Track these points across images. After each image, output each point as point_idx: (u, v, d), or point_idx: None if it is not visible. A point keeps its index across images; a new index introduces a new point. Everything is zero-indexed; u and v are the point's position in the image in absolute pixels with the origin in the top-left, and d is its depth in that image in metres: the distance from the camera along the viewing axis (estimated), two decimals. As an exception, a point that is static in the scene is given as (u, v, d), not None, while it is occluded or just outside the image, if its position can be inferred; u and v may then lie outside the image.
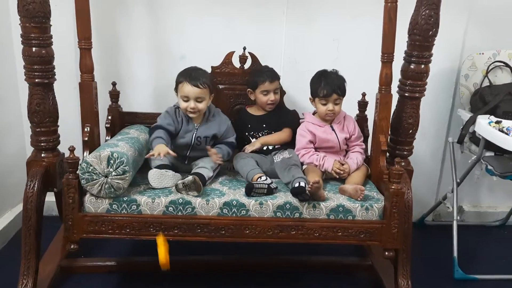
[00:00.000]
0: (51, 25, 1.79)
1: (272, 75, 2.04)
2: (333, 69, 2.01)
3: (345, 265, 2.24)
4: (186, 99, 1.90)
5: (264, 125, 2.08)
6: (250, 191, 1.76)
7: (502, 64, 2.25)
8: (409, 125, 1.91)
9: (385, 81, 1.88)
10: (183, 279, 2.06)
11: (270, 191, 1.79)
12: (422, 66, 1.82)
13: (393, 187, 1.71)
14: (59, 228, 2.23)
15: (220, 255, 2.20)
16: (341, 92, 1.96)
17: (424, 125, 2.08)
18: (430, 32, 1.76)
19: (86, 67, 1.86)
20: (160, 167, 1.81)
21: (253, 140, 2.06)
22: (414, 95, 1.87)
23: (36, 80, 1.80)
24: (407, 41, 1.85)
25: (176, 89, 1.94)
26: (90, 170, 1.65)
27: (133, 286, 2.06)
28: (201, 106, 1.91)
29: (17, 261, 1.84)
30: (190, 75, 1.91)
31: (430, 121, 2.43)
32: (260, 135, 2.07)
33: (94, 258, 2.16)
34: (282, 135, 2.05)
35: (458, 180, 2.29)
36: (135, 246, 2.28)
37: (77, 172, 1.66)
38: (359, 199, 1.77)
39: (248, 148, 2.00)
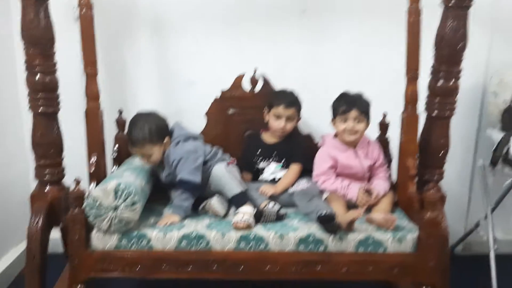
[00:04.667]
0: (55, 52, 1.72)
1: (290, 101, 1.92)
2: (357, 92, 1.89)
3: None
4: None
5: (274, 154, 1.97)
6: (260, 217, 1.66)
7: (533, 79, 2.11)
8: (440, 146, 1.78)
9: (411, 99, 1.76)
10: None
11: (280, 217, 1.68)
12: (451, 82, 1.70)
13: (428, 215, 1.56)
14: (65, 267, 2.10)
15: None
16: (363, 109, 1.83)
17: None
18: (459, 46, 1.65)
19: (92, 94, 1.77)
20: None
21: (261, 165, 1.97)
22: (444, 113, 1.74)
23: (40, 109, 1.71)
24: (434, 55, 1.74)
25: None
26: (97, 205, 1.54)
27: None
28: (152, 159, 1.79)
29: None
30: (130, 133, 1.78)
31: (456, 143, 2.22)
32: (270, 161, 1.97)
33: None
34: (292, 174, 1.91)
35: (493, 206, 2.11)
36: (139, 285, 2.13)
37: (83, 207, 1.55)
38: (389, 229, 1.61)
39: (266, 193, 1.83)
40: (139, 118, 1.80)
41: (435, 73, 1.72)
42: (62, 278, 2.05)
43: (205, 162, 1.80)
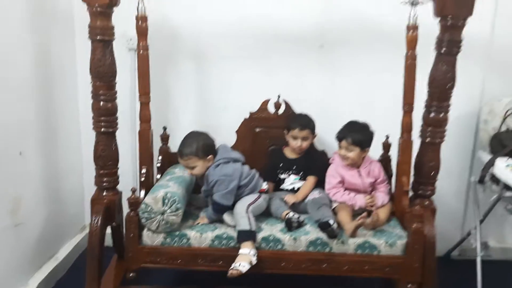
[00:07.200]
0: (116, 83, 2.09)
1: (303, 124, 2.26)
2: (364, 122, 2.21)
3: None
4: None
5: (294, 167, 2.32)
6: (290, 225, 2.00)
7: (519, 110, 2.37)
8: (431, 168, 2.06)
9: (406, 128, 2.09)
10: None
11: (300, 225, 2.02)
12: (441, 115, 1.98)
13: (413, 226, 1.90)
14: (111, 258, 2.44)
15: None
16: (353, 141, 2.14)
17: (448, 165, 2.22)
18: (448, 86, 1.93)
19: (145, 118, 2.16)
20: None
21: (282, 176, 2.31)
22: (435, 141, 2.02)
23: (102, 130, 2.05)
24: (427, 92, 2.02)
25: None
26: (148, 209, 1.92)
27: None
28: (195, 171, 2.07)
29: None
30: (180, 146, 2.06)
31: (454, 161, 2.57)
32: (290, 173, 2.31)
33: (145, 286, 2.31)
34: (309, 185, 2.25)
35: (482, 217, 2.40)
36: (180, 275, 2.47)
37: (137, 210, 1.93)
38: (375, 221, 1.98)
39: (289, 202, 2.18)
40: (192, 135, 2.09)
41: (428, 107, 2.01)
42: (110, 267, 2.41)
43: (240, 187, 2.06)
